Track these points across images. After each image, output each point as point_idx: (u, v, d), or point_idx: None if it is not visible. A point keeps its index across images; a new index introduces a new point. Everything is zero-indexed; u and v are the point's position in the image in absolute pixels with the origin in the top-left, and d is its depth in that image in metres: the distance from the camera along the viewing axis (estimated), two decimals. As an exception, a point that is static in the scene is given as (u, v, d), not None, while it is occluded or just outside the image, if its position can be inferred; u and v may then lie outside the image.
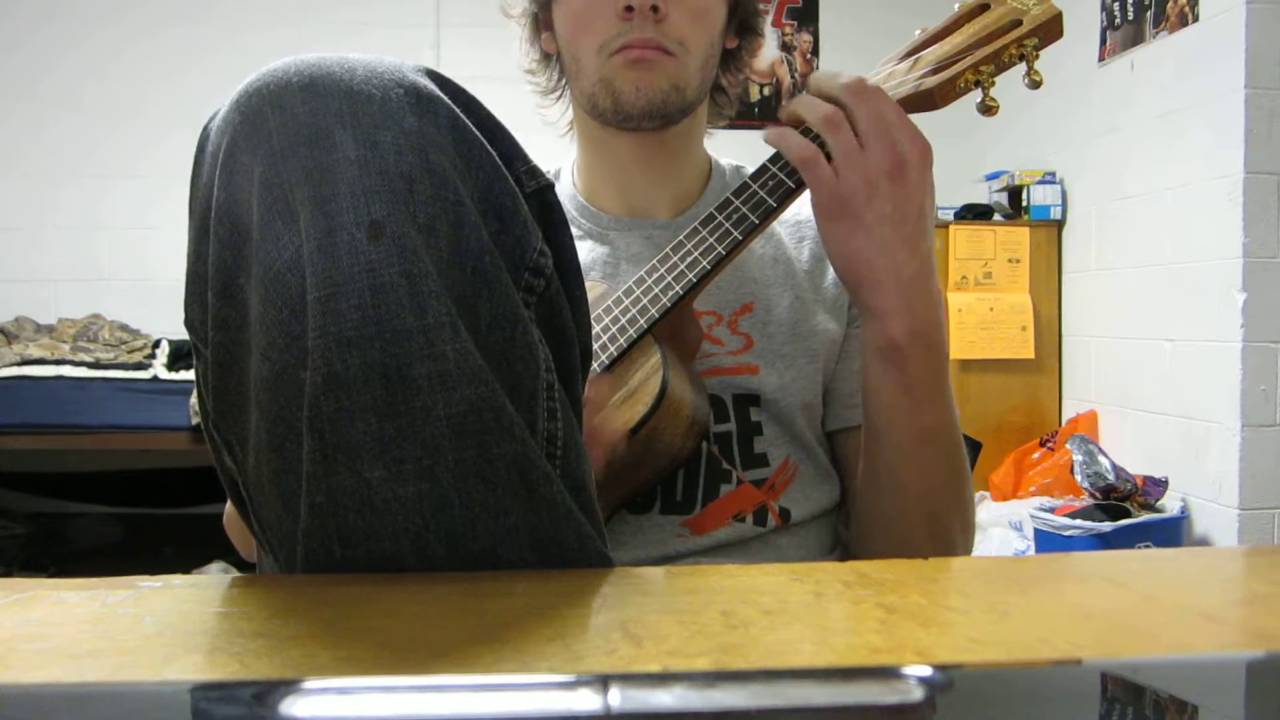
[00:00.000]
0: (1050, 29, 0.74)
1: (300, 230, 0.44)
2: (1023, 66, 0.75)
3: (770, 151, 0.76)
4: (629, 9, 0.79)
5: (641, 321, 0.76)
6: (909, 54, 0.78)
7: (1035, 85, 0.75)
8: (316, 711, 0.28)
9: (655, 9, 0.79)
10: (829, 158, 0.70)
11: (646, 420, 0.72)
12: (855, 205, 0.69)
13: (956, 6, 0.78)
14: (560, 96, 0.92)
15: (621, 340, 0.76)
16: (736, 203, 0.76)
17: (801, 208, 0.91)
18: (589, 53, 0.82)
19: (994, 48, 0.74)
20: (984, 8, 0.76)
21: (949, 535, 0.78)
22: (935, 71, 0.75)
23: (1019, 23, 0.74)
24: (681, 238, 0.78)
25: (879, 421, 0.75)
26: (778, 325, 0.85)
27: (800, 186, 0.74)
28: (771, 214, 0.75)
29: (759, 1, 0.91)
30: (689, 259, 0.76)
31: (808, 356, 0.84)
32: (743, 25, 0.90)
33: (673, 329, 0.78)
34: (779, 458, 0.83)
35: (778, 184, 0.75)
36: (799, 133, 0.72)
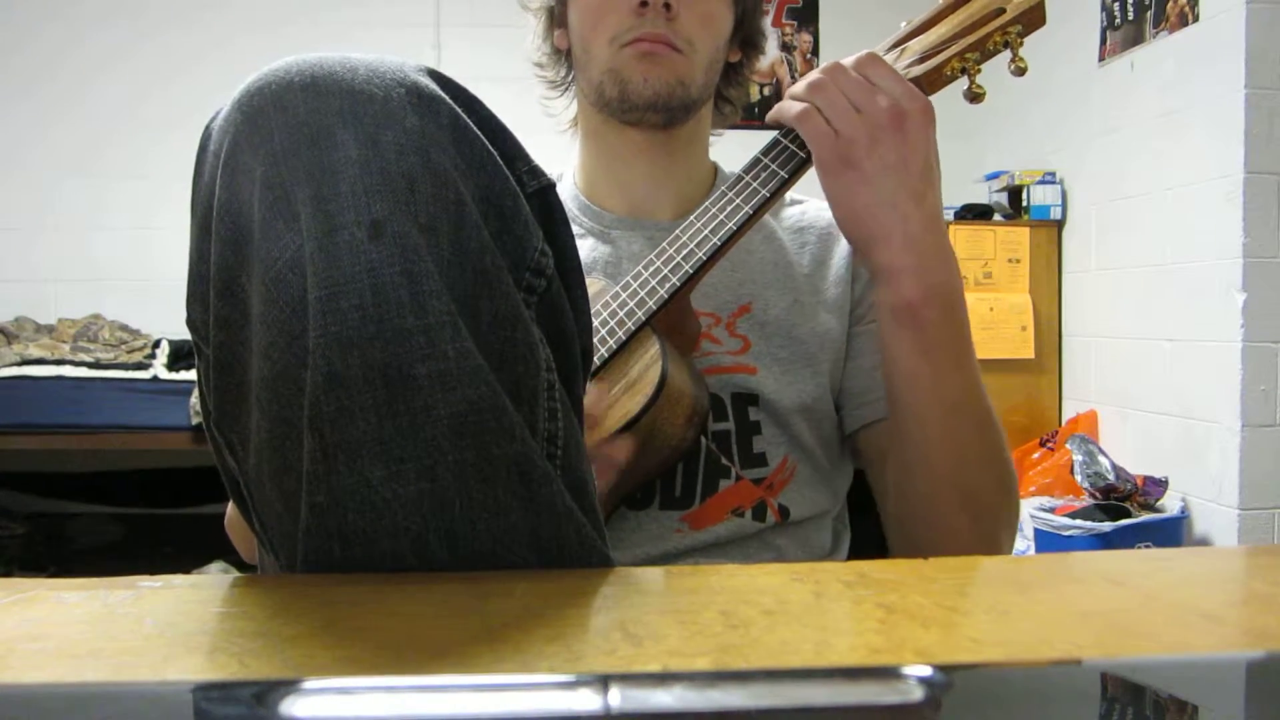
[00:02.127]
0: (1033, 16, 0.76)
1: (301, 230, 0.44)
2: (1007, 54, 0.76)
3: (762, 142, 0.78)
4: (643, 4, 0.81)
5: (640, 315, 0.76)
6: (895, 45, 0.79)
7: (1020, 72, 0.76)
8: (316, 711, 0.28)
9: (668, 6, 0.81)
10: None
11: (646, 410, 0.72)
12: (855, 155, 0.70)
13: None
14: (566, 91, 0.93)
15: (620, 333, 0.76)
16: (730, 194, 0.78)
17: (804, 214, 0.92)
18: (600, 44, 0.84)
19: (978, 36, 0.76)
20: None
21: (991, 516, 0.75)
22: (921, 60, 0.76)
23: (1002, 11, 0.76)
24: (678, 231, 0.79)
25: (902, 392, 0.73)
26: (775, 327, 0.85)
27: (792, 175, 0.76)
28: (765, 204, 0.77)
29: (762, 16, 0.93)
30: (685, 251, 0.77)
31: (805, 360, 0.84)
32: (746, 40, 0.92)
33: (671, 322, 0.78)
34: (778, 457, 0.83)
35: (770, 175, 0.77)
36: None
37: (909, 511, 0.78)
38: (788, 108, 0.73)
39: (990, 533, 0.75)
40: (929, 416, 0.72)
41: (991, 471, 0.74)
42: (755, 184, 0.77)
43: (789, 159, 0.76)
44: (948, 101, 0.79)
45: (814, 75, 0.73)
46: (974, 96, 0.76)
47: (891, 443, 0.78)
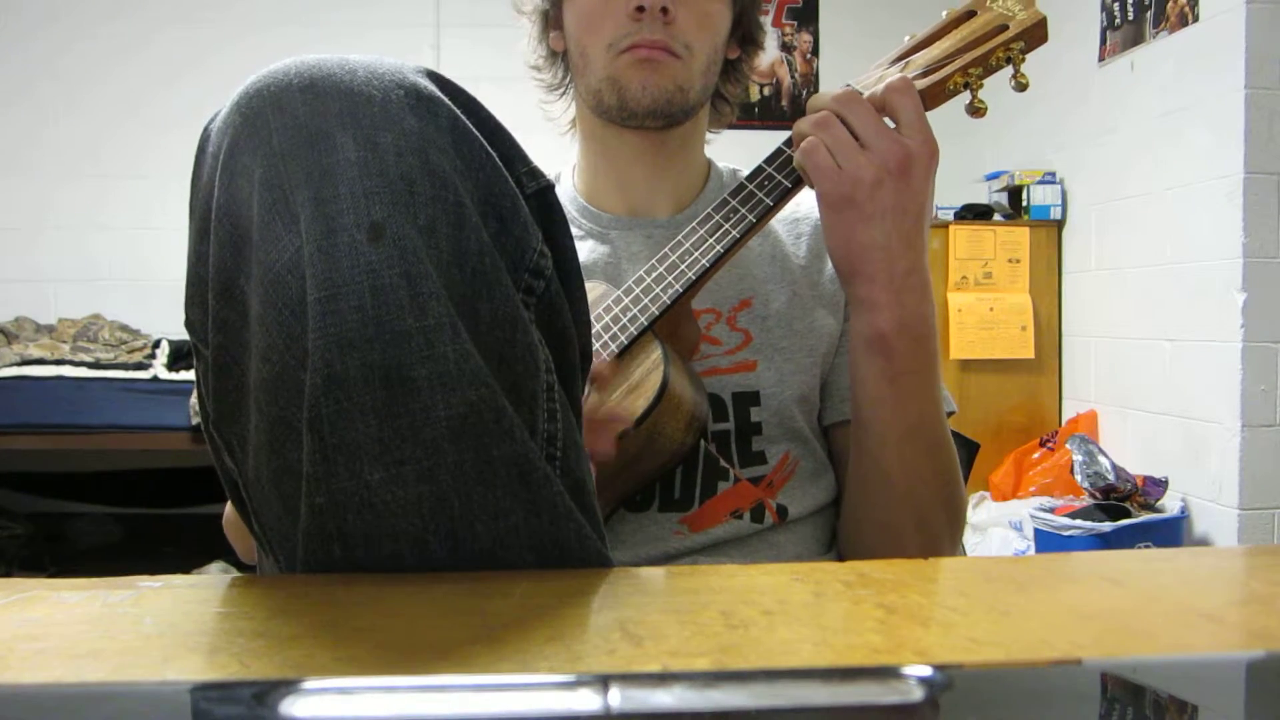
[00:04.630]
0: (1035, 33, 0.77)
1: (300, 231, 0.44)
2: (1009, 69, 0.77)
3: (766, 152, 0.78)
4: (640, 9, 0.80)
5: (642, 319, 0.77)
6: (899, 58, 0.80)
7: (1021, 88, 0.77)
8: (316, 711, 0.28)
9: (665, 10, 0.80)
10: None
11: (648, 414, 0.73)
12: (859, 195, 0.70)
13: (944, 14, 0.79)
14: (564, 94, 0.93)
15: (623, 338, 0.77)
16: (734, 202, 0.78)
17: (798, 206, 0.92)
18: (598, 50, 0.84)
19: (981, 51, 0.76)
20: (971, 14, 0.79)
21: (935, 531, 0.79)
22: (925, 75, 0.76)
23: (1005, 27, 0.76)
24: (680, 237, 0.79)
25: (866, 412, 0.76)
26: (775, 320, 0.86)
27: (796, 185, 0.76)
28: (768, 212, 0.77)
29: (760, 13, 0.92)
30: (688, 258, 0.77)
31: (805, 351, 0.85)
32: (745, 37, 0.92)
33: (672, 327, 0.79)
34: (777, 454, 0.84)
35: (775, 184, 0.77)
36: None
37: (861, 516, 0.81)
38: (798, 148, 0.73)
39: (933, 546, 0.79)
40: (888, 436, 0.75)
41: (941, 491, 0.78)
42: (760, 193, 0.77)
43: (794, 169, 0.76)
44: (948, 102, 0.79)
45: (819, 114, 0.73)
46: (975, 111, 0.77)
47: (853, 451, 0.81)
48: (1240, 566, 0.55)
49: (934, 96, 0.76)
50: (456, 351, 0.44)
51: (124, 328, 3.10)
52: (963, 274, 3.07)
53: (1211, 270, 2.42)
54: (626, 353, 0.77)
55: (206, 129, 0.50)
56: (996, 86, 0.78)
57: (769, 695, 0.29)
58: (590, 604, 0.42)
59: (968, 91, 0.77)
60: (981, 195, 3.32)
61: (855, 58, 0.81)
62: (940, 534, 0.79)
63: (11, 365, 2.68)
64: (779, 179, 0.77)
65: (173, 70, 3.30)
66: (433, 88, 0.49)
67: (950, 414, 0.90)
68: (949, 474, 0.79)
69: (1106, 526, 2.33)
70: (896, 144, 0.70)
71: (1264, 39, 2.31)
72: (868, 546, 0.82)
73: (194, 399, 2.59)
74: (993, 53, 0.76)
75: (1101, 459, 2.50)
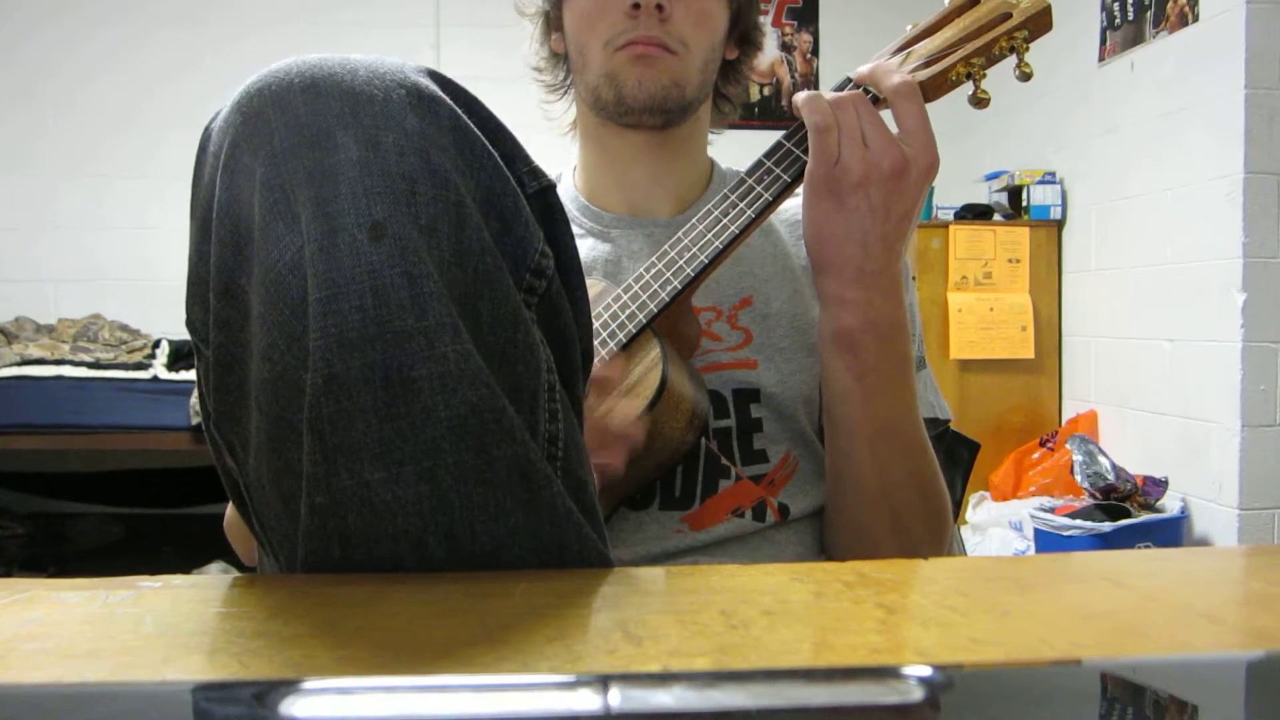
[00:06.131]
0: (1040, 21, 0.75)
1: (302, 231, 0.44)
2: (1013, 59, 0.76)
3: (764, 147, 0.78)
4: (635, 6, 0.81)
5: (641, 317, 0.76)
6: (900, 48, 0.79)
7: (1025, 77, 0.76)
8: (316, 711, 0.28)
9: (660, 8, 0.81)
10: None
11: (647, 413, 0.72)
12: (842, 188, 0.71)
13: (947, 1, 0.78)
14: (565, 94, 0.94)
15: (621, 335, 0.77)
16: (733, 198, 0.77)
17: (800, 207, 0.92)
18: (595, 48, 0.84)
19: (984, 40, 0.75)
20: (974, 2, 0.77)
21: (912, 538, 0.78)
22: (927, 65, 0.75)
23: (1009, 16, 0.75)
24: (680, 233, 0.79)
25: (835, 408, 0.77)
26: (777, 319, 0.86)
27: (795, 180, 0.76)
28: (768, 207, 0.76)
29: (759, 13, 0.92)
30: (687, 254, 0.77)
31: (806, 350, 0.85)
32: (743, 37, 0.92)
33: (671, 325, 0.78)
34: (779, 453, 0.83)
35: (774, 178, 0.76)
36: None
37: (835, 517, 0.82)
38: (814, 110, 0.72)
39: (910, 552, 0.78)
40: (858, 434, 0.76)
41: (916, 494, 0.78)
42: (759, 187, 0.77)
43: (792, 163, 0.76)
44: (949, 101, 0.78)
45: (842, 95, 0.72)
46: (979, 102, 0.76)
47: (827, 449, 0.80)
48: (1240, 566, 0.55)
49: (936, 87, 0.75)
50: (457, 352, 0.44)
51: (124, 328, 3.10)
52: (962, 274, 3.07)
53: (1211, 270, 2.42)
54: (625, 351, 0.77)
55: (207, 129, 0.50)
56: (998, 85, 0.78)
57: (769, 695, 0.29)
58: (590, 604, 0.42)
59: (970, 82, 0.76)
60: (981, 195, 3.32)
61: (855, 58, 0.80)
62: (918, 540, 0.79)
63: (11, 365, 2.68)
64: (778, 173, 0.76)
65: (173, 70, 3.30)
66: (434, 87, 0.49)
67: (946, 421, 0.90)
68: (926, 478, 0.78)
69: (1106, 526, 2.34)
70: (894, 148, 0.70)
71: (1264, 39, 2.31)
72: (844, 548, 0.81)
73: (194, 399, 2.59)
74: (996, 41, 0.75)
75: (1101, 459, 2.50)
